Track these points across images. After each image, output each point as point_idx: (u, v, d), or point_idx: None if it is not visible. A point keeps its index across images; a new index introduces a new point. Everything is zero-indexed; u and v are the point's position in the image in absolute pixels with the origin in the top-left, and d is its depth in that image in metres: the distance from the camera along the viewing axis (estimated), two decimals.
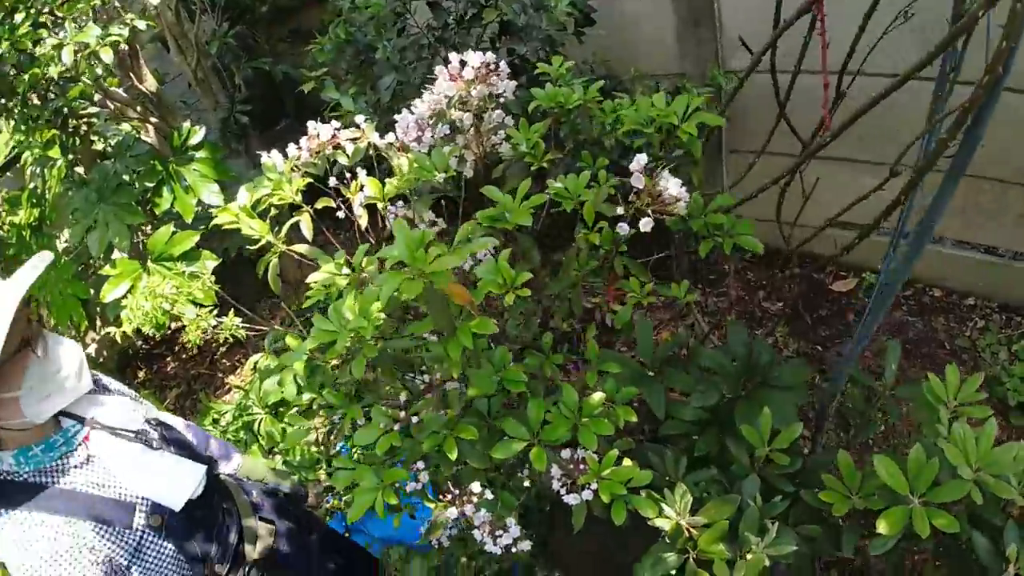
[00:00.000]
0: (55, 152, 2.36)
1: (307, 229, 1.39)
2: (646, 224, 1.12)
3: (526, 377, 1.26)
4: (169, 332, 2.85)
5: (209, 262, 2.33)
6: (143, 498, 1.26)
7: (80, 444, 1.24)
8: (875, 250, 2.57)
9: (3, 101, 2.13)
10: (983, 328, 2.32)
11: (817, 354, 2.32)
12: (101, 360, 2.81)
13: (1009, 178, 2.14)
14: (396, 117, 1.68)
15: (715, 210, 1.43)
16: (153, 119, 2.62)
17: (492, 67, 1.35)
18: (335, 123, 1.55)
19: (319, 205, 1.44)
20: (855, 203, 1.43)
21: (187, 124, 2.52)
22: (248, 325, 2.32)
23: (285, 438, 1.50)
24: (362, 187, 1.49)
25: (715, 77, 2.22)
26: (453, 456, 1.29)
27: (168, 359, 3.02)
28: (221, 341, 2.23)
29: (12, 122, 2.22)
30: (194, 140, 2.52)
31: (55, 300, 2.42)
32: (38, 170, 2.55)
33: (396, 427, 1.36)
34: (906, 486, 1.12)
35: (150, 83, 2.64)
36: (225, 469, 1.67)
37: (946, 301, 2.41)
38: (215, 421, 2.58)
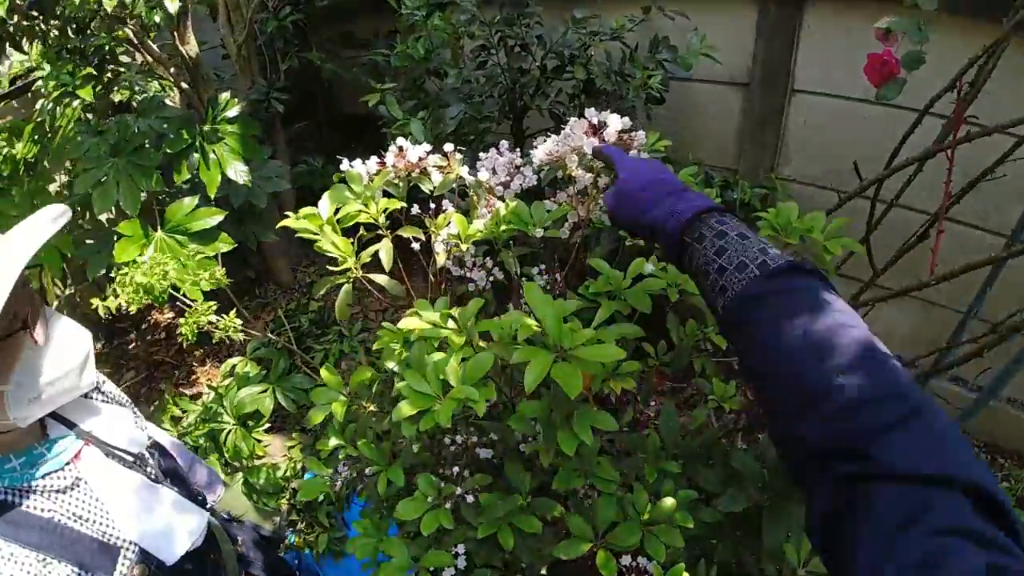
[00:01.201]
0: (86, 92, 2.00)
1: (387, 258, 1.16)
2: None
3: (616, 476, 1.06)
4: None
5: (223, 245, 2.01)
6: (131, 543, 0.96)
7: (69, 463, 0.94)
8: None
9: (39, 21, 1.78)
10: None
11: None
12: (97, 305, 2.39)
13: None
14: (481, 155, 1.49)
15: None
16: (184, 84, 2.31)
17: (629, 134, 1.18)
18: (425, 146, 1.34)
19: (405, 233, 1.21)
20: None
21: (226, 95, 2.22)
22: (241, 327, 2.01)
23: (300, 487, 1.23)
24: (449, 222, 1.28)
25: (771, 181, 2.14)
26: (509, 546, 1.07)
27: (132, 336, 2.62)
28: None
29: (39, 46, 1.87)
30: (230, 113, 2.22)
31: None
32: (50, 106, 2.18)
33: (447, 504, 1.12)
34: None
35: (192, 47, 2.34)
36: (209, 499, 1.37)
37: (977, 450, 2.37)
38: (175, 419, 2.21)
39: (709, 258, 0.66)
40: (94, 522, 0.93)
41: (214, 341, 1.96)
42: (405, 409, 0.90)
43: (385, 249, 1.18)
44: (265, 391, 2.17)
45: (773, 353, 0.54)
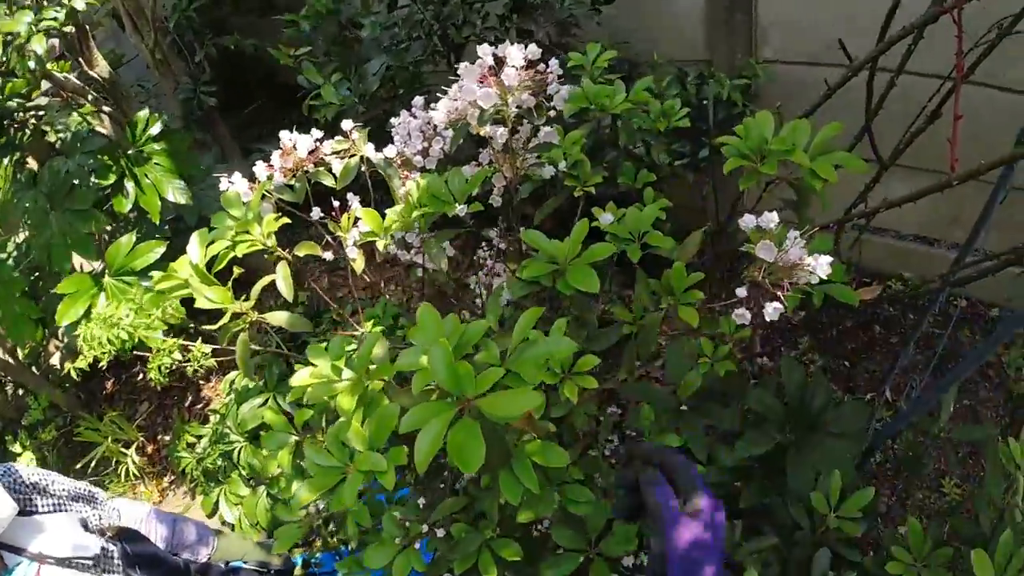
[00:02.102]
0: None
1: (286, 286, 0.93)
2: (774, 312, 0.71)
3: (591, 497, 0.85)
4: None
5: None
6: None
7: None
8: (899, 256, 2.25)
9: None
10: (1009, 342, 2.01)
11: (844, 370, 1.99)
12: (65, 372, 2.32)
13: None
14: (393, 121, 1.21)
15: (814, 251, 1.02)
16: (107, 107, 2.06)
17: (540, 67, 0.89)
18: (315, 132, 1.08)
19: (301, 252, 0.98)
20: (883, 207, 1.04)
21: (144, 112, 1.96)
22: (219, 346, 1.85)
23: (276, 537, 1.07)
24: (356, 220, 1.03)
25: (751, 68, 1.77)
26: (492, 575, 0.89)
27: (137, 368, 2.53)
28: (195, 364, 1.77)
29: None
30: (154, 130, 1.96)
31: (8, 319, 1.89)
32: None
33: (417, 545, 0.95)
34: None
35: (102, 68, 2.07)
36: (202, 554, 1.26)
37: (971, 312, 2.09)
38: (190, 446, 2.12)
39: None
40: None
41: (188, 373, 1.84)
42: (305, 494, 0.71)
43: (282, 278, 0.95)
44: (265, 401, 2.03)
45: None
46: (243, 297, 0.91)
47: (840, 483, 1.23)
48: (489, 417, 0.59)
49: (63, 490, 1.04)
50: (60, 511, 1.00)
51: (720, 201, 1.71)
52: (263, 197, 1.05)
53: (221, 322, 0.89)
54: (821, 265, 0.72)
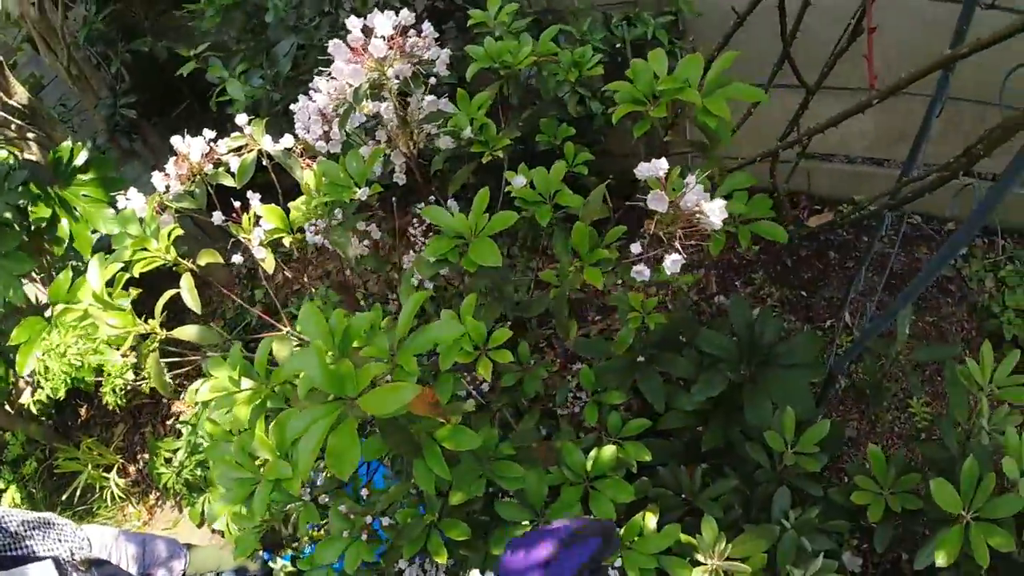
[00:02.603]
0: None
1: (192, 298, 0.90)
2: (674, 264, 0.69)
3: (522, 471, 0.84)
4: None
5: (123, 301, 1.78)
6: None
7: None
8: (850, 180, 2.22)
9: None
10: (966, 255, 2.00)
11: (802, 301, 1.98)
12: (36, 406, 2.28)
13: (986, 98, 1.76)
14: (293, 107, 1.15)
15: (730, 191, 0.99)
16: (31, 134, 1.97)
17: (412, 32, 0.83)
18: (207, 132, 1.02)
19: (202, 261, 0.94)
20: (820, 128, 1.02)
21: (67, 143, 1.88)
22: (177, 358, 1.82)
23: (235, 542, 1.07)
24: (258, 219, 0.99)
25: (674, 3, 1.70)
26: (443, 560, 0.89)
27: (103, 388, 2.49)
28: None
29: None
30: (80, 159, 1.88)
31: None
32: None
33: (364, 536, 0.94)
34: (960, 505, 0.93)
35: (20, 95, 1.97)
36: (176, 569, 1.26)
37: (926, 229, 2.08)
38: (167, 461, 2.11)
39: None
40: None
41: (146, 393, 1.81)
42: (220, 510, 0.69)
43: (187, 290, 0.92)
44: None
45: None
46: (144, 316, 0.87)
47: (795, 419, 1.22)
48: (371, 415, 0.56)
49: (19, 522, 1.02)
50: (16, 551, 0.99)
51: (648, 146, 1.67)
52: (164, 209, 1.00)
53: (125, 345, 0.85)
54: (714, 210, 0.69)
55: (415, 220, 1.42)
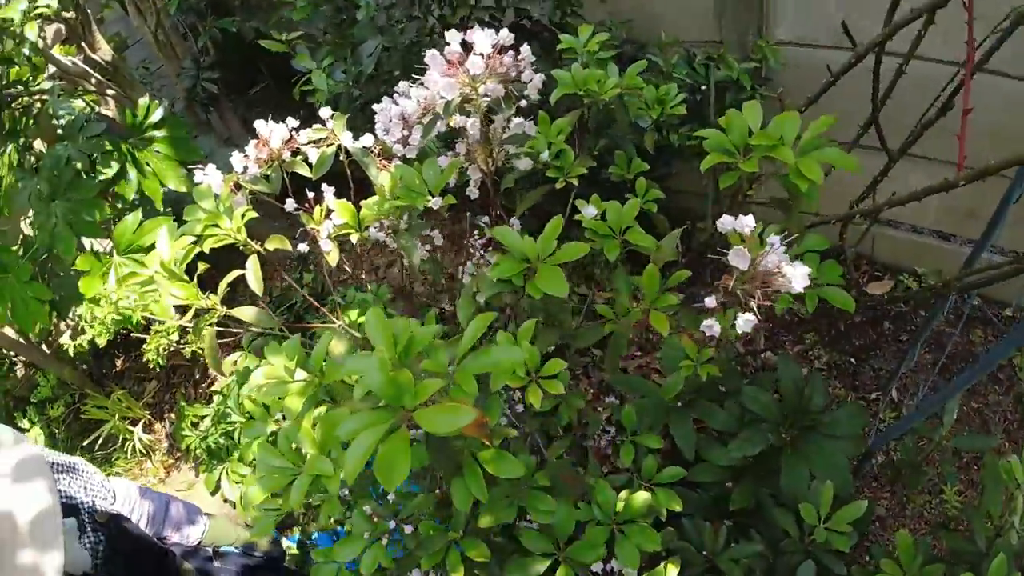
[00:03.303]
0: None
1: (256, 281, 0.92)
2: (746, 323, 0.67)
3: (554, 505, 0.83)
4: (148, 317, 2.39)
5: (180, 251, 1.84)
6: None
7: None
8: (914, 250, 2.15)
9: None
10: (1021, 346, 1.92)
11: (850, 368, 1.92)
12: (75, 350, 2.37)
13: None
14: (376, 107, 1.17)
15: (801, 253, 0.97)
16: (111, 91, 2.06)
17: (509, 53, 0.84)
18: (291, 120, 1.05)
19: (271, 247, 0.96)
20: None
21: (144, 99, 1.96)
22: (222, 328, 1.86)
23: (254, 523, 1.08)
24: (329, 212, 1.01)
25: (760, 50, 1.69)
26: (459, 575, 0.88)
27: (146, 346, 2.57)
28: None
29: None
30: (154, 117, 1.96)
31: (17, 306, 1.92)
32: None
33: (384, 540, 0.94)
34: None
35: (105, 51, 2.06)
36: (190, 538, 1.26)
37: (985, 311, 2.00)
38: (194, 425, 2.15)
39: None
40: None
41: (187, 354, 1.86)
42: (257, 495, 0.70)
43: (252, 271, 0.94)
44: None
45: None
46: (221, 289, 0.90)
47: (832, 494, 1.19)
48: (425, 428, 0.56)
49: (49, 463, 1.03)
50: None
51: (718, 191, 1.65)
52: (239, 188, 1.03)
53: (186, 318, 0.88)
54: (797, 276, 0.68)
55: (475, 232, 1.43)
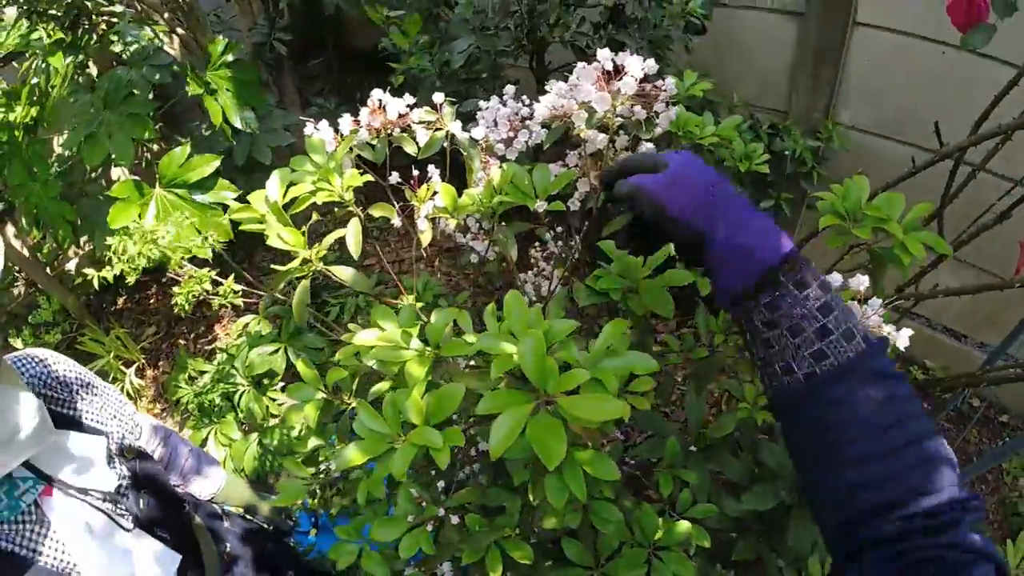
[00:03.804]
0: (56, 60, 1.80)
1: (355, 244, 0.92)
2: None
3: (620, 516, 0.85)
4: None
5: (227, 192, 1.82)
6: None
7: (29, 506, 0.80)
8: (925, 344, 2.23)
9: None
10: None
11: None
12: (83, 280, 2.30)
13: None
14: (482, 104, 1.20)
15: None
16: (180, 30, 2.05)
17: (655, 82, 0.88)
18: (408, 97, 1.07)
19: (375, 213, 0.97)
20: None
21: (222, 38, 1.96)
22: (245, 288, 1.84)
23: (279, 489, 1.06)
24: (434, 193, 1.02)
25: (826, 130, 1.77)
26: (497, 574, 0.88)
27: (152, 289, 2.52)
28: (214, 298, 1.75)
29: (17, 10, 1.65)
30: (229, 57, 1.96)
31: (43, 213, 1.88)
32: (43, 65, 1.97)
33: (428, 526, 0.94)
34: None
35: None
36: (201, 491, 1.23)
37: (982, 412, 2.08)
38: (191, 379, 2.11)
39: (811, 312, 0.53)
40: (52, 557, 0.80)
41: (215, 308, 1.82)
42: (355, 456, 0.70)
43: (353, 234, 0.94)
44: (277, 350, 2.02)
45: (869, 436, 0.50)
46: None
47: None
48: (567, 417, 0.58)
49: (67, 369, 0.99)
50: (66, 408, 0.95)
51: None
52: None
53: (289, 266, 0.88)
54: (903, 337, 0.72)
55: (537, 243, 1.46)
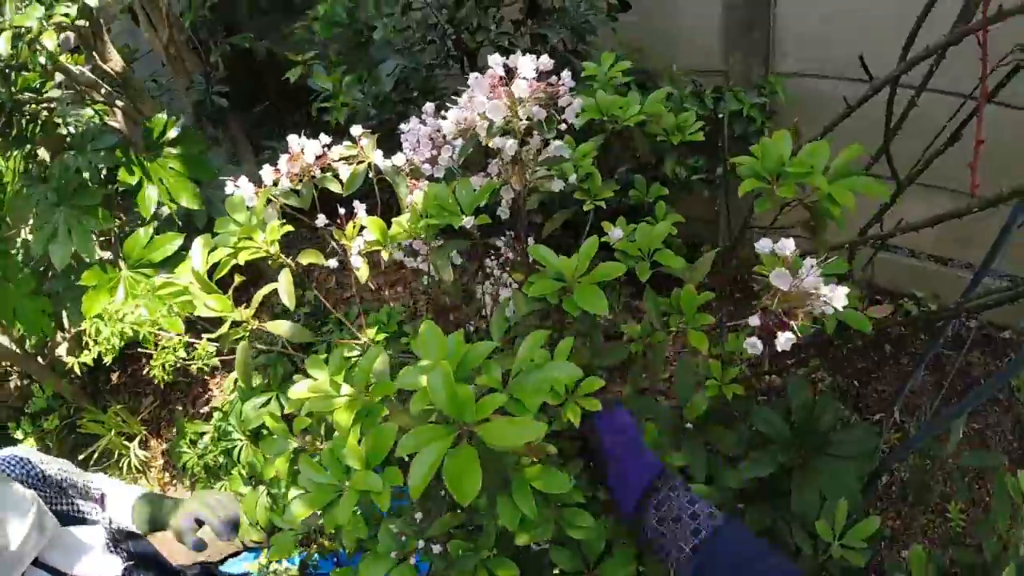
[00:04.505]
0: None
1: (288, 295, 0.92)
2: (787, 342, 0.69)
3: (592, 522, 0.83)
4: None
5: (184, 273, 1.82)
6: None
7: None
8: (912, 274, 2.21)
9: None
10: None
11: (853, 390, 1.95)
12: (79, 367, 2.32)
13: None
14: (402, 127, 1.19)
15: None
16: (119, 102, 2.06)
17: (552, 78, 0.87)
18: (324, 137, 1.06)
19: (304, 260, 0.96)
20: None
21: (162, 115, 1.96)
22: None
23: (272, 543, 1.06)
24: (362, 229, 1.02)
25: (769, 85, 1.74)
26: None
27: (143, 362, 2.53)
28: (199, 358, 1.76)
29: None
30: (172, 133, 1.96)
31: (21, 315, 1.89)
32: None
33: (413, 559, 0.94)
34: None
35: (116, 62, 2.06)
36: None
37: (982, 333, 2.05)
38: (192, 443, 2.11)
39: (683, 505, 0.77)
40: None
41: (193, 371, 1.83)
42: (300, 510, 0.69)
43: (284, 286, 0.94)
44: (268, 400, 2.03)
45: None
46: (244, 303, 0.89)
47: (846, 510, 1.20)
48: (489, 445, 0.57)
49: (56, 470, 1.00)
50: (62, 505, 0.97)
51: (732, 216, 1.68)
52: (268, 202, 1.04)
53: (221, 331, 0.87)
54: (838, 296, 0.70)
55: (491, 252, 1.44)
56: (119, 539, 1.04)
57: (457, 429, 0.58)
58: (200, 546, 0.99)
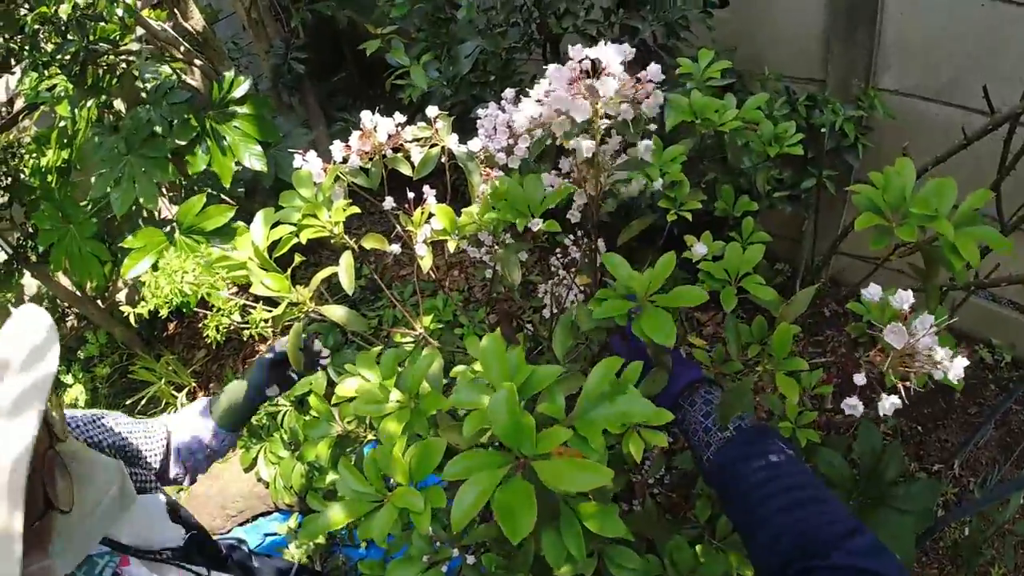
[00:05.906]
0: (62, 109, 1.85)
1: (348, 279, 0.88)
2: (891, 406, 0.60)
3: (639, 562, 0.77)
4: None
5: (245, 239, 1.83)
6: None
7: None
8: (989, 320, 2.01)
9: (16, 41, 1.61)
10: None
11: (917, 436, 1.80)
12: (134, 317, 2.38)
13: None
14: (479, 112, 1.13)
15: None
16: (199, 61, 2.07)
17: (637, 73, 0.78)
18: (398, 116, 1.01)
19: (367, 245, 0.92)
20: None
21: (230, 73, 1.96)
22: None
23: (303, 524, 1.03)
24: (430, 216, 0.96)
25: (868, 98, 1.59)
26: None
27: (200, 315, 2.59)
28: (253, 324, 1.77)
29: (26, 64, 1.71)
30: (238, 92, 1.96)
31: (75, 258, 1.94)
32: (70, 109, 2.04)
33: (444, 567, 0.89)
34: None
35: (196, 21, 2.07)
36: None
37: None
38: None
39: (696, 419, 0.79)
40: None
41: (244, 339, 1.85)
42: (337, 518, 0.65)
43: (345, 268, 0.90)
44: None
45: (751, 498, 0.68)
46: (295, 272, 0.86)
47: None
48: (545, 483, 0.51)
49: (142, 433, 0.98)
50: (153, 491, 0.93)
51: (819, 239, 1.55)
52: (336, 179, 0.99)
53: (277, 311, 0.84)
54: (956, 368, 0.60)
55: (557, 250, 1.37)
56: (174, 508, 1.00)
57: (512, 460, 0.52)
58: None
